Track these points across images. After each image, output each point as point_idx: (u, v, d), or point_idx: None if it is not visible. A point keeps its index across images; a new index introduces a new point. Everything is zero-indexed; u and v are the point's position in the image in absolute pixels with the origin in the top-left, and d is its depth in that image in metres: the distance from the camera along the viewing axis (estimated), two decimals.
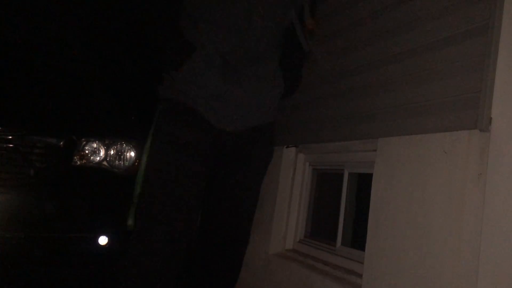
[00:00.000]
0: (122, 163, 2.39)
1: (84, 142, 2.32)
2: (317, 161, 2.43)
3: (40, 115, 2.38)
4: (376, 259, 1.63)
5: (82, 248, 2.31)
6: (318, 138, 2.20)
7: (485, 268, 1.22)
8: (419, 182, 1.50)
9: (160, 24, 1.48)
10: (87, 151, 2.32)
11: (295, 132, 2.37)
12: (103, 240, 2.31)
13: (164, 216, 1.33)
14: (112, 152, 2.38)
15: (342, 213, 2.14)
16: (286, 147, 2.48)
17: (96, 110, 2.64)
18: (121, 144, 2.40)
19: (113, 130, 2.46)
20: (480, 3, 1.36)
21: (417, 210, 1.48)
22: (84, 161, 2.30)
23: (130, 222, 1.48)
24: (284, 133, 2.46)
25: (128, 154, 2.41)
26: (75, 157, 2.29)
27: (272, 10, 1.43)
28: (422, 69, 1.55)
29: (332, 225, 2.21)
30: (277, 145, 2.53)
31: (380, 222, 1.65)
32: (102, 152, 2.35)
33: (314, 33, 1.55)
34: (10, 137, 2.18)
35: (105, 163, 2.36)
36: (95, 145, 2.34)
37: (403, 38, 1.67)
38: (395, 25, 1.73)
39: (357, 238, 2.06)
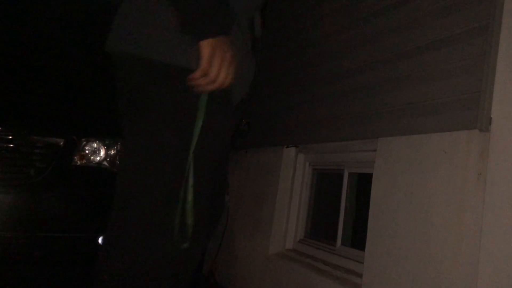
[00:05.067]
0: None
1: (84, 142, 2.32)
2: (317, 161, 2.43)
3: (40, 115, 2.38)
4: (376, 259, 1.63)
5: (82, 248, 2.31)
6: (318, 138, 2.19)
7: (485, 268, 1.22)
8: (419, 182, 1.50)
9: None
10: (87, 151, 2.32)
11: (295, 132, 2.37)
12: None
13: None
14: (112, 152, 2.38)
15: (342, 213, 2.14)
16: (286, 147, 2.48)
17: (96, 110, 2.64)
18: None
19: (113, 130, 2.46)
20: (480, 3, 1.36)
21: (417, 210, 1.48)
22: (84, 161, 2.31)
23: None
24: (284, 133, 2.46)
25: None
26: (75, 157, 2.29)
27: None
28: (422, 69, 1.55)
29: (332, 225, 2.21)
30: (277, 145, 2.54)
31: (380, 222, 1.65)
32: (102, 152, 2.35)
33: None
34: (10, 137, 2.18)
35: (105, 163, 2.36)
36: (95, 145, 2.35)
37: (403, 38, 1.67)
38: (395, 25, 1.73)
39: (357, 238, 2.06)
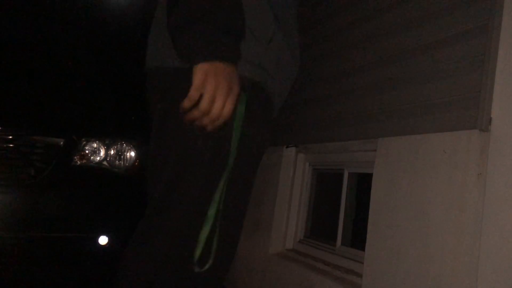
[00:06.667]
0: (122, 163, 2.39)
1: (84, 142, 2.32)
2: (317, 161, 2.43)
3: (40, 115, 2.38)
4: (376, 259, 1.63)
5: (82, 248, 2.31)
6: (318, 138, 2.19)
7: (485, 268, 1.22)
8: (419, 182, 1.50)
9: None
10: (87, 151, 2.32)
11: (295, 132, 2.37)
12: (103, 240, 2.31)
13: None
14: (112, 152, 2.38)
15: (342, 213, 2.14)
16: (286, 147, 2.48)
17: (96, 110, 2.64)
18: (121, 144, 2.40)
19: (113, 130, 2.46)
20: (480, 3, 1.36)
21: (417, 210, 1.48)
22: (84, 161, 2.31)
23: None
24: (284, 133, 2.46)
25: (128, 154, 2.41)
26: (75, 157, 2.29)
27: None
28: (422, 69, 1.55)
29: (332, 225, 2.21)
30: (277, 145, 2.54)
31: (380, 222, 1.65)
32: (102, 152, 2.36)
33: None
34: (10, 137, 2.18)
35: (105, 163, 2.36)
36: (95, 145, 2.35)
37: (403, 38, 1.67)
38: (395, 25, 1.73)
39: (357, 238, 2.06)
